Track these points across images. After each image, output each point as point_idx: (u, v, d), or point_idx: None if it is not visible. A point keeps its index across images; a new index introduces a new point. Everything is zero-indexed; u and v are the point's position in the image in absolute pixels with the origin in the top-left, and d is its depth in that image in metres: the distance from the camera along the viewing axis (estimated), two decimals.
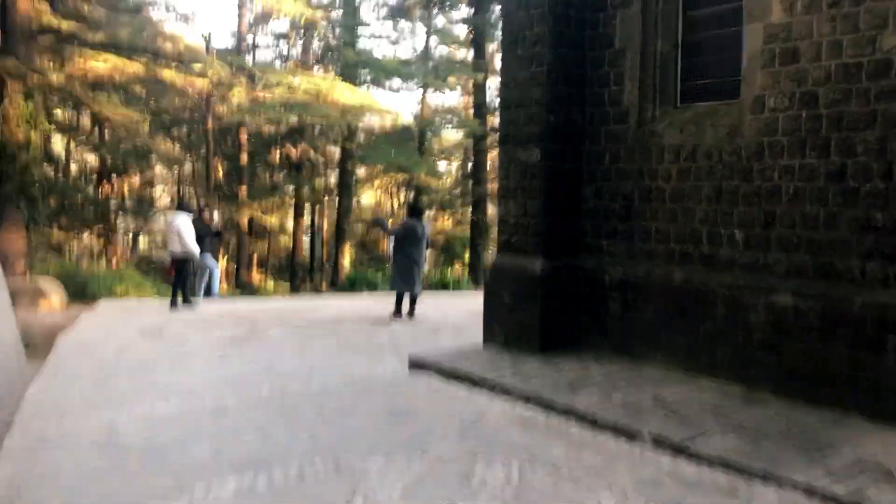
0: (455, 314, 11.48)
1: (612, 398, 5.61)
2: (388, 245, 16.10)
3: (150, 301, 14.33)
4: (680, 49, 6.70)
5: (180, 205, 13.88)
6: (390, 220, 15.50)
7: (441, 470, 4.39)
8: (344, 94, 19.71)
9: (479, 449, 4.76)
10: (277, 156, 32.38)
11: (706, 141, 6.26)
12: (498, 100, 31.31)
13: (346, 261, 26.39)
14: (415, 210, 11.62)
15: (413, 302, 11.14)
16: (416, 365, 7.04)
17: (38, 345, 8.90)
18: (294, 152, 30.60)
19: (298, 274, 34.40)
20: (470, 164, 33.10)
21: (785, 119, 5.70)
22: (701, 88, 6.60)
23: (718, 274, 6.08)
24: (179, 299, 11.92)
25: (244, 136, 28.64)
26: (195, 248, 11.95)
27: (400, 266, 11.09)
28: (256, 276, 33.93)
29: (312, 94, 19.51)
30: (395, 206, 40.40)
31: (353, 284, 21.89)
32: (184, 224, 11.79)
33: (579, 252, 7.17)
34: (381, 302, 13.06)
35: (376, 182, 36.49)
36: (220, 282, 16.30)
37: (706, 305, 6.10)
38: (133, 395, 6.21)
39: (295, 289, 27.65)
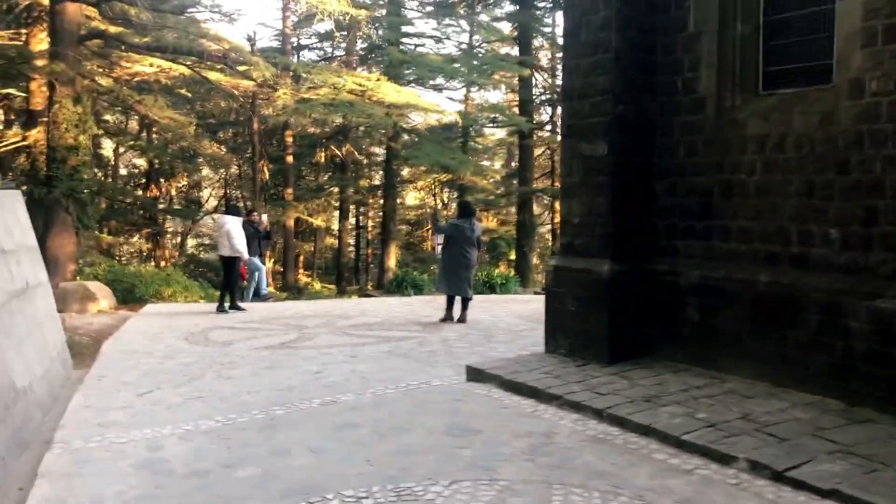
0: (507, 318, 11.00)
1: (697, 416, 5.07)
2: (434, 245, 15.65)
3: (197, 304, 14.17)
4: (762, 31, 6.12)
5: (228, 207, 13.72)
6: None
7: (513, 500, 3.93)
8: (389, 92, 19.34)
9: (553, 474, 4.28)
10: (322, 157, 32.27)
11: (794, 130, 5.68)
12: (543, 96, 30.68)
13: (392, 261, 26.06)
14: (465, 210, 11.16)
15: (464, 306, 10.70)
16: (475, 375, 6.59)
17: (84, 350, 8.69)
18: (339, 153, 30.44)
19: (344, 275, 34.34)
20: (514, 163, 32.60)
21: (890, 105, 5.09)
22: (786, 73, 6.00)
23: (812, 276, 5.48)
24: (227, 303, 11.68)
25: (289, 138, 28.55)
26: (244, 250, 11.73)
27: (448, 268, 10.66)
28: (303, 278, 33.91)
29: (357, 94, 19.18)
30: (440, 206, 40.05)
31: (399, 285, 21.57)
32: (233, 226, 11.57)
33: (651, 254, 6.62)
34: (429, 304, 12.65)
35: (420, 182, 36.20)
36: (267, 283, 16.10)
37: (798, 311, 5.51)
38: (177, 408, 5.88)
39: (341, 290, 27.47)
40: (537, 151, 31.36)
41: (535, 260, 28.27)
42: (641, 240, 6.62)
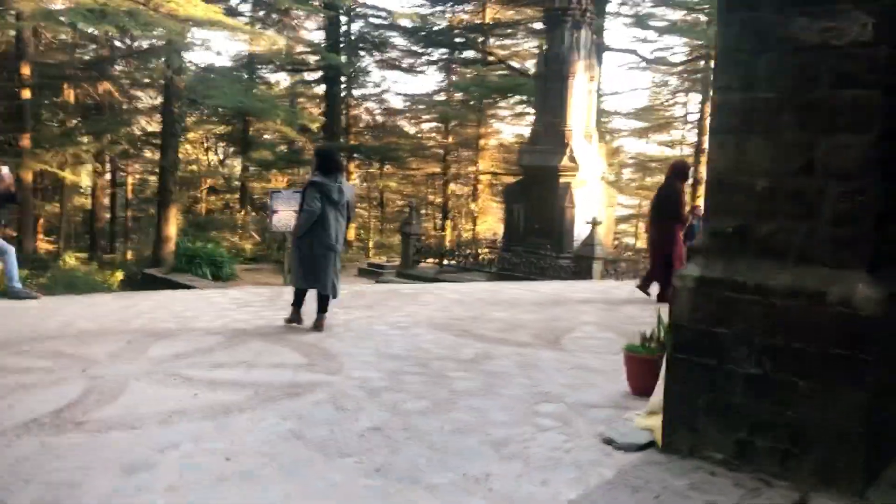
0: (415, 331, 7.14)
1: None
2: (269, 217, 11.25)
3: None
4: None
5: None
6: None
7: None
8: (184, 3, 14.24)
9: None
10: (73, 95, 25.49)
11: None
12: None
13: (172, 229, 20.71)
14: (328, 162, 7.19)
15: (324, 307, 7.12)
16: None
17: None
18: (95, 91, 24.05)
19: (99, 243, 27.97)
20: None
21: None
22: None
23: None
24: None
25: (27, 68, 21.65)
26: None
27: (306, 250, 7.00)
28: (44, 245, 27.14)
29: (139, 1, 13.90)
30: (212, 162, 34.48)
31: (189, 263, 16.67)
32: None
33: None
34: (272, 301, 8.37)
35: (193, 134, 30.38)
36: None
37: None
38: None
39: (101, 263, 21.58)
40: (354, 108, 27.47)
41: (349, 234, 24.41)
42: None
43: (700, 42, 27.23)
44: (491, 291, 10.13)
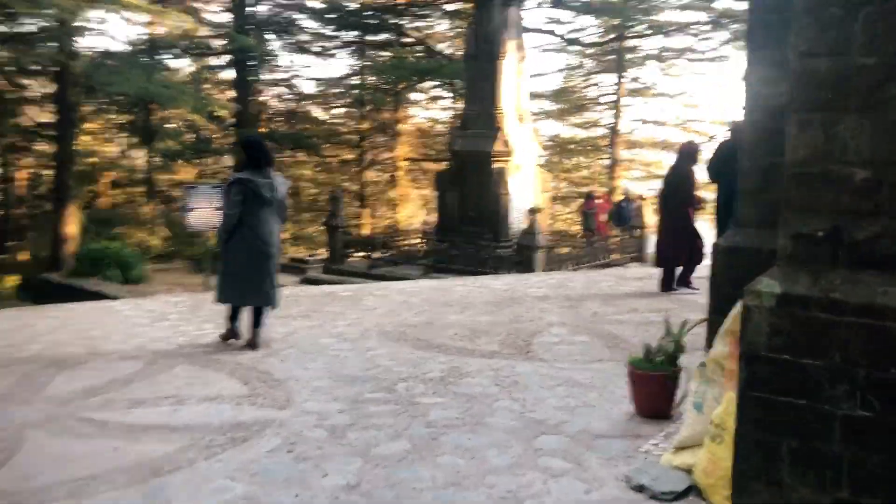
0: (370, 349, 6.28)
1: None
2: (186, 215, 10.11)
3: None
4: None
5: None
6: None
7: None
8: None
9: None
10: None
11: None
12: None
13: (72, 228, 18.98)
14: (257, 153, 6.24)
15: (260, 321, 6.20)
16: None
17: None
18: None
19: None
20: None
21: None
22: None
23: None
24: None
25: None
26: None
27: (235, 259, 6.08)
28: None
29: None
30: (113, 153, 32.24)
31: (94, 265, 15.18)
32: None
33: None
34: (195, 312, 7.20)
35: (91, 124, 28.20)
36: None
37: None
38: None
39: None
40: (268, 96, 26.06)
41: None
42: None
43: (616, 22, 27.08)
44: (439, 290, 9.34)
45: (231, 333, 6.26)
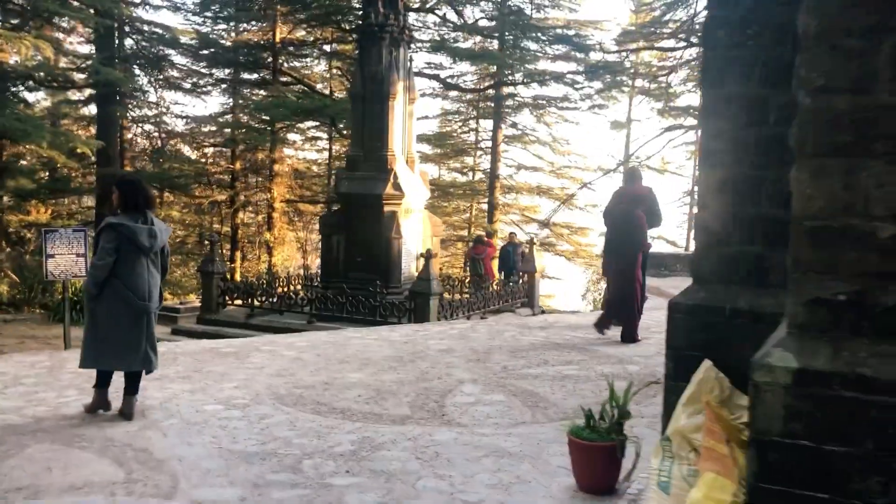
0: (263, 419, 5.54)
1: None
2: (45, 262, 8.98)
3: None
4: None
5: None
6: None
7: None
8: None
9: None
10: None
11: None
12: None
13: None
14: (135, 196, 5.47)
15: (135, 387, 5.42)
16: None
17: None
18: None
19: None
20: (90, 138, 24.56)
21: None
22: None
23: None
24: None
25: None
26: None
27: (108, 317, 5.26)
28: None
29: None
30: None
31: None
32: None
33: None
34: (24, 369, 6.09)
35: None
36: None
37: None
38: None
39: None
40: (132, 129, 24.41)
41: None
42: None
43: (493, 69, 27.54)
44: (332, 344, 8.64)
45: (100, 402, 5.36)
